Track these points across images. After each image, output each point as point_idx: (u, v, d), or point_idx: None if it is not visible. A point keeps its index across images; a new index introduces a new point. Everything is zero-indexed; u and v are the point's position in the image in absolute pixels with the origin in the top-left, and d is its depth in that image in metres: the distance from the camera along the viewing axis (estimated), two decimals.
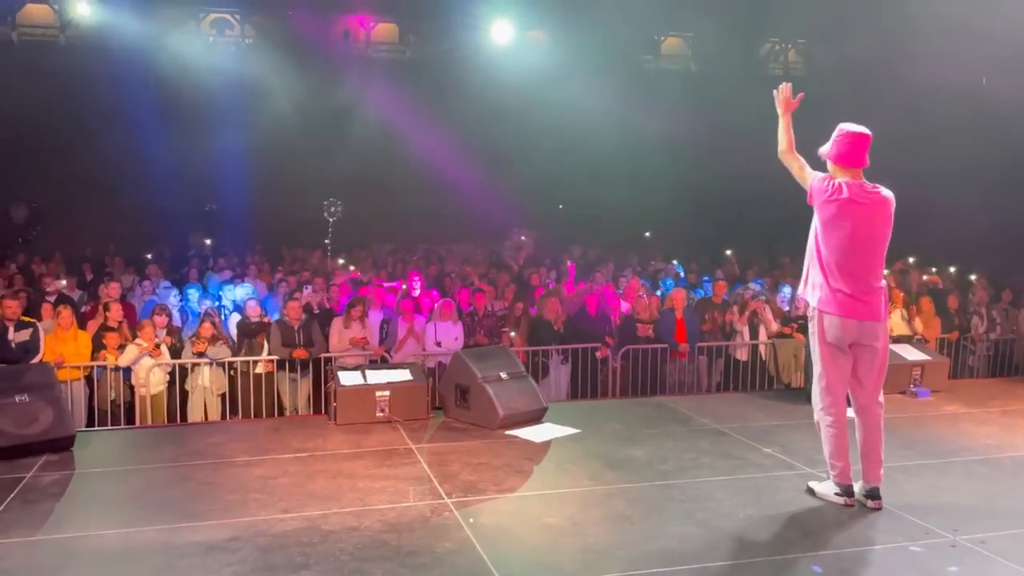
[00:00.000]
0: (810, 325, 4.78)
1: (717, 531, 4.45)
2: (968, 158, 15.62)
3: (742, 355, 9.86)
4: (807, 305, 4.79)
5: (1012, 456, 5.86)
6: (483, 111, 17.73)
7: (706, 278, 12.25)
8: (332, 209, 17.64)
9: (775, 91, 4.88)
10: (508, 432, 6.37)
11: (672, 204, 18.70)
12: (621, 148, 17.99)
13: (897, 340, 9.90)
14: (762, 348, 9.84)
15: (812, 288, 4.69)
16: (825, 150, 4.72)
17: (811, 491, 5.03)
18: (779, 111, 4.82)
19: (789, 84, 4.87)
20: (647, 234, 15.20)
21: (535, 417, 6.70)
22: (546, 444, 6.13)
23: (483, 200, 17.50)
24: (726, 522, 4.58)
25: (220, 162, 16.64)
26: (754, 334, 9.98)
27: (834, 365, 4.68)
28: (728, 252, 14.64)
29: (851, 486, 4.79)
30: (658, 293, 11.40)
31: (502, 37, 17.66)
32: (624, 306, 10.87)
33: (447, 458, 5.71)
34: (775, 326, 10.09)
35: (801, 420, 6.80)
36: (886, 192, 4.66)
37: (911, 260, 14.19)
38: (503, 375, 6.75)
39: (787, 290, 11.15)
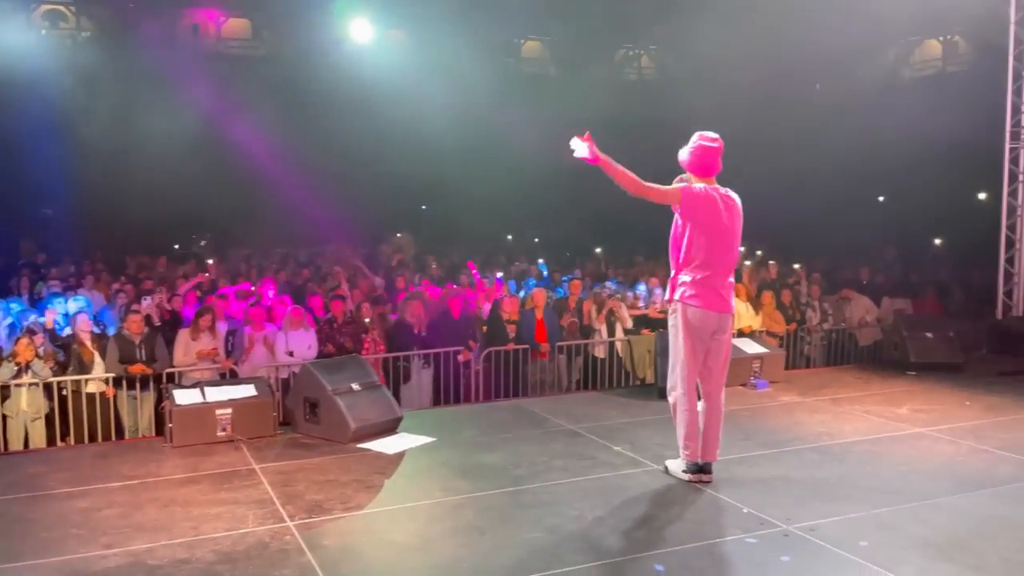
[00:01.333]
0: (671, 317, 5.13)
1: (566, 536, 4.46)
2: (808, 160, 16.68)
3: (600, 353, 10.05)
4: (671, 300, 5.12)
5: (841, 443, 6.20)
6: (342, 111, 17.35)
7: (565, 278, 12.42)
8: (202, 243, 16.78)
9: (573, 149, 4.96)
10: (360, 445, 6.19)
11: (538, 205, 18.93)
12: (486, 149, 18.05)
13: (741, 334, 10.44)
14: (618, 345, 10.06)
15: (678, 284, 5.07)
16: (684, 158, 5.10)
17: (666, 469, 5.42)
18: (591, 159, 4.87)
19: (586, 135, 4.94)
20: (536, 239, 15.33)
21: (389, 428, 6.55)
22: (399, 456, 5.99)
23: (345, 202, 17.12)
24: (575, 525, 4.60)
25: (55, 165, 15.48)
26: (611, 331, 10.19)
27: (693, 354, 5.07)
28: (598, 250, 14.95)
29: (697, 464, 5.20)
30: (521, 294, 11.46)
31: (361, 36, 17.31)
32: (486, 308, 10.86)
33: (292, 477, 5.48)
34: (630, 323, 10.34)
35: (651, 416, 7.00)
36: (736, 196, 5.14)
37: (758, 254, 14.98)
38: (355, 386, 6.56)
39: (642, 288, 11.46)
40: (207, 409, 6.20)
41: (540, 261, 15.61)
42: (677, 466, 5.32)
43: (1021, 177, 10.62)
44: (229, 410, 6.23)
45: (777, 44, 16.27)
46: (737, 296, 10.84)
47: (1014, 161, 10.72)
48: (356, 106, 17.15)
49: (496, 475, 5.50)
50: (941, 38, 19.88)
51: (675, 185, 5.10)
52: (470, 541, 4.42)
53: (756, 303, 10.94)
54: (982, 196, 18.28)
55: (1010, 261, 10.78)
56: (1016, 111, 10.64)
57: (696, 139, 5.06)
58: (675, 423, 5.26)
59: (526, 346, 9.33)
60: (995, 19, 11.68)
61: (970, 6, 12.43)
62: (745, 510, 4.77)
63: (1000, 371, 8.83)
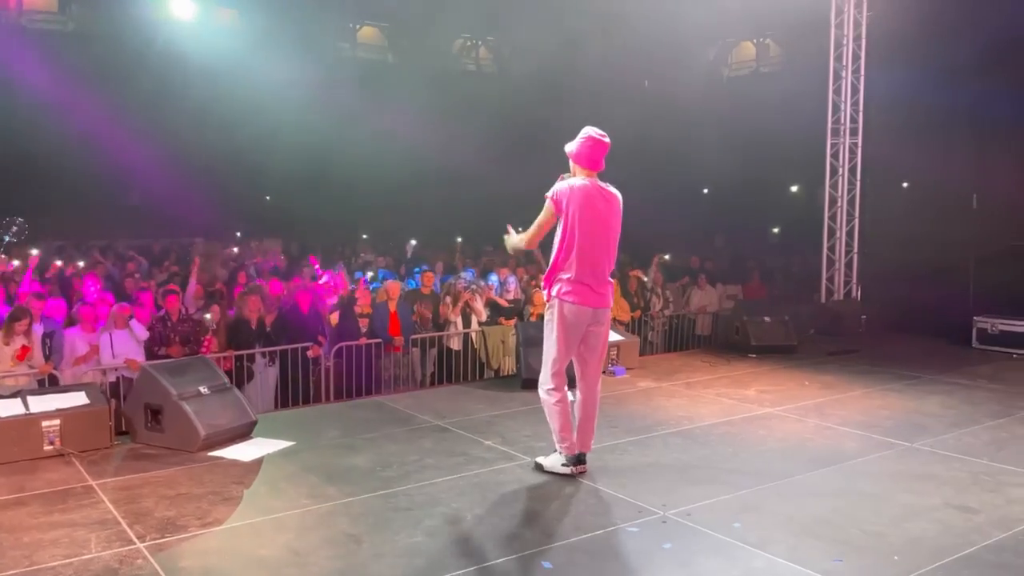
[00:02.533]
0: (547, 312, 5.12)
1: (447, 539, 4.28)
2: (639, 153, 17.31)
3: (455, 345, 9.90)
4: (548, 296, 5.10)
5: (700, 426, 6.41)
6: (165, 94, 16.14)
7: (416, 269, 12.17)
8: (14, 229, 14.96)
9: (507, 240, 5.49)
10: (212, 454, 5.71)
11: (388, 195, 18.50)
12: (327, 137, 17.43)
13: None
14: (473, 336, 9.96)
15: (554, 280, 5.04)
16: (571, 149, 5.07)
17: (539, 467, 5.31)
18: (524, 245, 5.27)
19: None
20: (413, 241, 14.90)
21: (243, 433, 6.09)
22: (257, 463, 5.57)
23: (174, 191, 15.95)
24: (455, 527, 4.44)
25: None
26: (467, 323, 10.07)
27: (567, 349, 5.07)
28: (459, 240, 14.75)
29: (576, 456, 5.20)
30: (372, 286, 11.09)
31: (183, 12, 16.13)
32: (331, 301, 10.43)
33: (138, 492, 4.95)
34: (485, 315, 10.27)
35: (517, 408, 6.94)
36: (615, 191, 5.11)
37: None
38: (203, 389, 6.05)
39: (494, 278, 11.42)
40: (31, 422, 5.49)
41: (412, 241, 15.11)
42: (554, 461, 5.27)
43: (841, 170, 11.48)
44: (57, 421, 5.55)
45: (609, 41, 16.77)
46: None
47: (835, 155, 11.57)
48: (181, 90, 16.01)
49: (366, 478, 5.22)
50: (755, 40, 21.19)
51: (554, 188, 5.03)
52: (347, 551, 4.15)
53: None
54: (793, 189, 19.83)
55: (832, 249, 11.65)
56: (836, 109, 11.47)
57: (586, 132, 5.05)
58: (548, 417, 5.22)
59: (379, 340, 9.02)
60: (806, 24, 12.73)
61: (781, 12, 13.28)
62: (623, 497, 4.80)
63: (829, 351, 9.50)
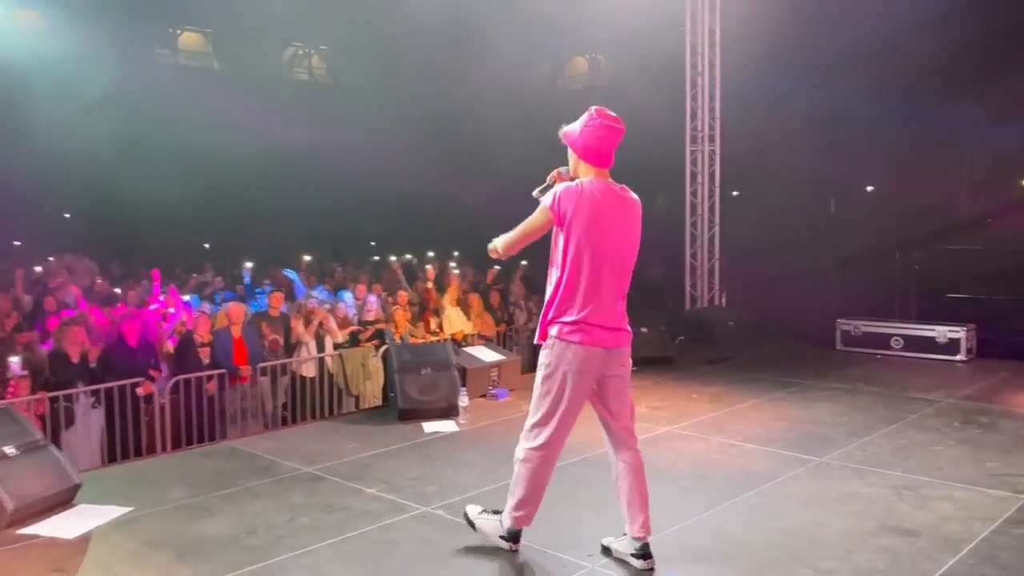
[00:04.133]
0: (543, 354, 3.89)
1: None
2: (498, 167, 17.07)
3: (308, 371, 8.93)
4: (543, 334, 3.90)
5: (602, 452, 5.85)
6: None
7: (259, 290, 11.01)
8: None
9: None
10: (24, 531, 4.53)
11: (219, 207, 17.12)
12: (151, 146, 15.93)
13: (455, 340, 9.99)
14: (329, 361, 9.04)
15: (553, 314, 3.82)
16: (573, 135, 3.83)
17: (467, 519, 4.33)
18: (500, 252, 4.08)
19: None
20: (249, 264, 13.54)
21: (63, 500, 4.93)
22: (84, 539, 4.46)
23: None
24: None
25: None
26: (320, 346, 9.13)
27: (570, 403, 3.85)
28: (307, 258, 13.59)
29: (520, 532, 4.14)
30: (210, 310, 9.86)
31: None
32: (166, 328, 9.18)
33: None
34: (340, 336, 9.38)
35: (397, 444, 6.15)
36: (634, 195, 3.90)
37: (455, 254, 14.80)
38: (8, 450, 4.84)
39: (348, 296, 10.53)
40: None
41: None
42: (492, 526, 4.18)
43: (700, 177, 11.46)
44: None
45: (449, 53, 16.59)
46: (449, 302, 10.58)
47: (693, 163, 11.54)
48: None
49: (227, 549, 4.26)
50: (587, 56, 21.54)
51: (556, 190, 3.80)
52: None
53: (464, 306, 10.57)
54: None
55: (694, 256, 11.61)
56: (693, 116, 11.46)
57: (594, 115, 3.78)
58: (513, 479, 4.02)
59: (222, 371, 7.93)
60: (635, 40, 13.06)
61: (610, 29, 13.45)
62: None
63: (706, 360, 9.33)
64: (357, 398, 9.24)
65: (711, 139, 11.48)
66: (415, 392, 6.80)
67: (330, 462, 5.73)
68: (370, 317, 9.79)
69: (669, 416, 6.85)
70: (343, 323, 9.63)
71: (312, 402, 8.66)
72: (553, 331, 3.81)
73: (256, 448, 6.17)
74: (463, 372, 7.40)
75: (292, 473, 5.54)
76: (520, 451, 4.00)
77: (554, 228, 3.82)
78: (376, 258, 14.44)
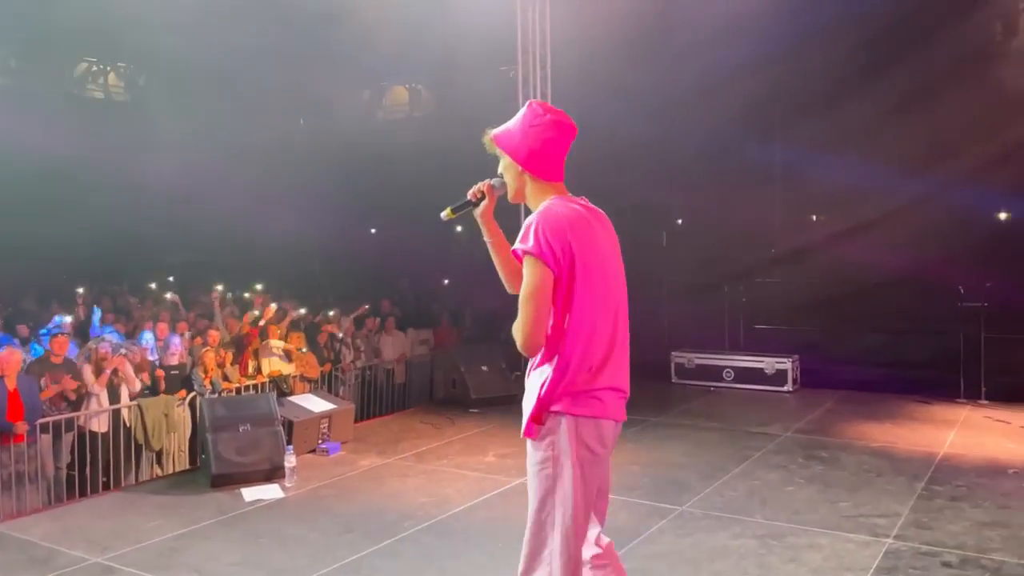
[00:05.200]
0: (542, 448, 2.70)
1: None
2: (314, 194, 16.33)
3: (100, 425, 7.71)
4: (539, 418, 2.71)
5: (454, 514, 5.29)
6: None
7: (44, 331, 9.48)
8: None
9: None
10: None
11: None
12: None
13: (277, 385, 9.08)
14: (125, 412, 7.87)
15: (564, 388, 2.70)
16: (511, 137, 2.80)
17: None
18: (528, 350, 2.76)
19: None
20: None
21: None
22: None
23: None
24: None
25: None
26: (114, 397, 7.93)
27: (587, 503, 2.72)
28: (80, 291, 11.88)
29: None
30: None
31: None
32: None
33: None
34: (138, 384, 8.22)
35: (208, 519, 5.27)
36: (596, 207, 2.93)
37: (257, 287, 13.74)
38: None
39: (148, 336, 9.31)
40: None
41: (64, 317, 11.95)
42: None
43: None
44: None
45: (264, 77, 15.89)
46: (270, 337, 9.62)
47: None
48: None
49: None
50: (408, 85, 21.28)
51: (537, 228, 2.67)
52: None
53: (284, 346, 9.67)
54: (459, 228, 19.99)
55: None
56: None
57: (538, 110, 2.79)
58: None
59: None
60: (453, 71, 12.95)
61: (430, 59, 13.30)
62: None
63: None
64: (159, 453, 8.13)
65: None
66: (232, 453, 5.90)
67: (126, 548, 4.74)
68: (173, 361, 8.65)
69: (519, 465, 6.35)
70: (143, 368, 8.45)
71: (104, 461, 7.46)
72: (559, 407, 2.68)
73: (31, 532, 5.04)
74: (289, 426, 6.56)
75: (77, 566, 4.51)
76: None
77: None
78: (169, 295, 13.02)
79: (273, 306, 11.07)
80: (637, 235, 11.36)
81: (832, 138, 10.11)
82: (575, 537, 2.64)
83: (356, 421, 7.91)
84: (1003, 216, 10.39)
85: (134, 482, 7.45)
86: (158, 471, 7.99)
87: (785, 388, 9.30)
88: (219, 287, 11.81)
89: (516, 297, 2.73)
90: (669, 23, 10.57)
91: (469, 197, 2.93)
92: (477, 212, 2.91)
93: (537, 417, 2.68)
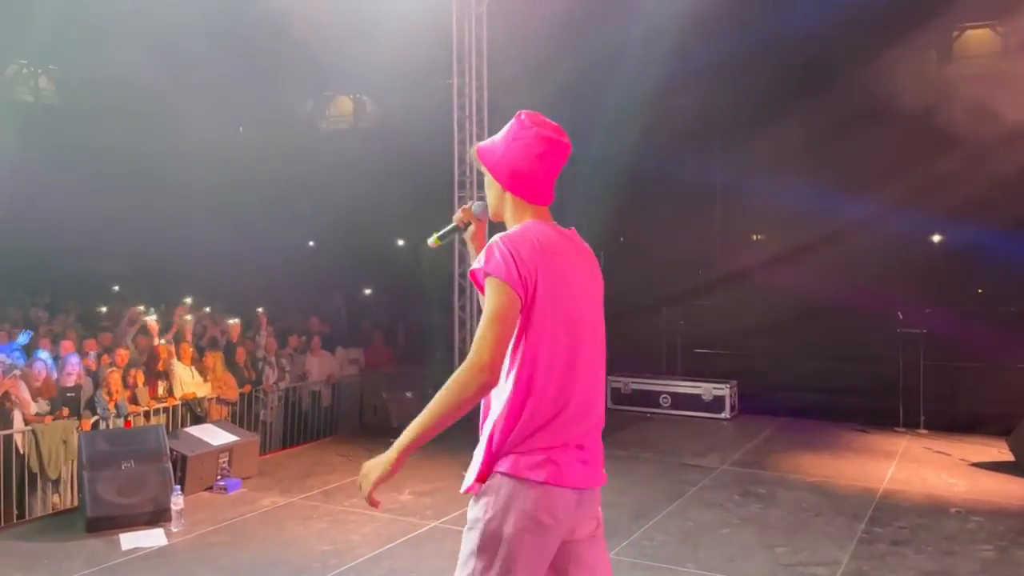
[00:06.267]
0: (481, 506, 2.29)
1: None
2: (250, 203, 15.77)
3: None
4: (484, 476, 2.30)
5: (355, 565, 4.76)
6: None
7: None
8: None
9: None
10: None
11: None
12: None
13: (190, 408, 8.46)
14: (18, 438, 7.23)
15: (514, 440, 2.27)
16: (493, 151, 2.46)
17: None
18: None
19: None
20: None
21: None
22: None
23: None
24: None
25: None
26: (6, 421, 7.28)
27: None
28: None
29: None
30: None
31: None
32: None
33: None
34: (34, 407, 7.56)
35: (74, 573, 4.62)
36: (583, 241, 2.55)
37: (188, 302, 13.06)
38: None
39: (45, 355, 8.59)
40: None
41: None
42: None
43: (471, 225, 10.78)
44: None
45: (202, 81, 15.37)
46: (181, 359, 8.97)
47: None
48: None
49: None
50: (352, 96, 20.85)
51: (502, 248, 2.28)
52: None
53: (201, 366, 9.03)
54: (401, 242, 19.51)
55: (463, 308, 10.84)
56: (461, 160, 10.79)
57: (525, 122, 2.43)
58: None
59: None
60: (403, 82, 12.58)
61: (376, 70, 12.92)
62: None
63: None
64: (57, 482, 7.46)
65: (481, 185, 10.86)
66: (111, 494, 5.28)
67: None
68: (70, 382, 7.96)
69: (436, 505, 5.87)
70: (43, 390, 7.78)
71: None
72: (503, 466, 2.27)
73: None
74: (182, 461, 5.96)
75: None
76: None
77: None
78: (103, 309, 12.33)
79: (189, 318, 10.42)
80: None
81: (773, 158, 9.89)
82: None
83: (268, 451, 7.34)
84: (940, 241, 10.30)
85: (28, 515, 6.79)
86: (56, 501, 7.34)
87: (723, 415, 9.00)
88: (140, 307, 11.13)
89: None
90: (606, 37, 10.29)
91: (455, 223, 2.64)
92: (466, 235, 2.61)
93: (483, 475, 2.28)
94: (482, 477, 2.29)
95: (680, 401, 9.21)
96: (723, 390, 9.06)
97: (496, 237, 2.33)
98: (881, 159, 9.40)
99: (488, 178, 2.48)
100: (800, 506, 5.88)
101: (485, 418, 2.36)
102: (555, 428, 2.27)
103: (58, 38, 15.23)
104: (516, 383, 2.27)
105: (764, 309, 9.99)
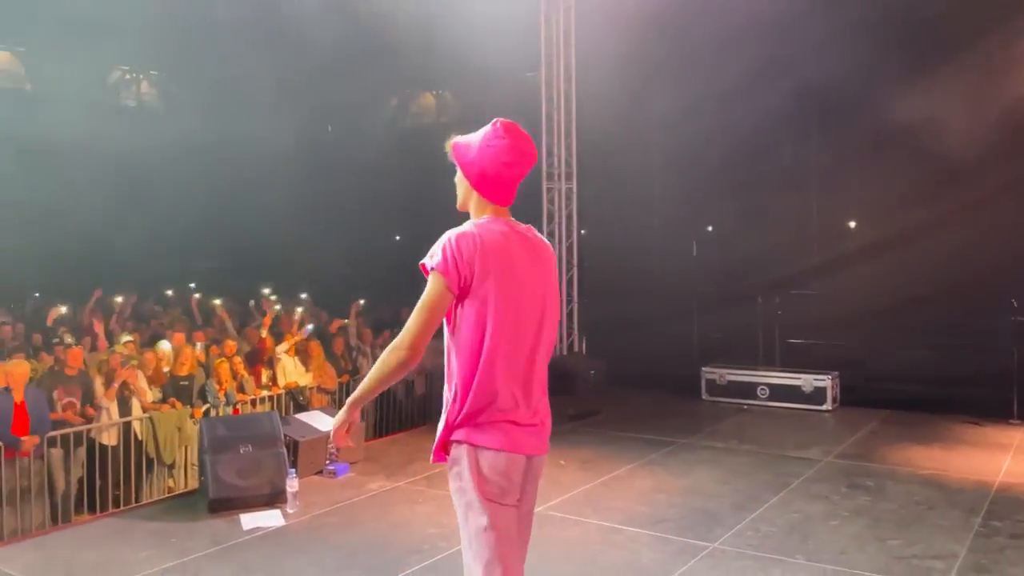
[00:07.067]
0: (454, 477, 2.66)
1: None
2: (340, 200, 16.20)
3: (109, 438, 7.47)
4: (445, 442, 2.68)
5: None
6: None
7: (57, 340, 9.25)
8: None
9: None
10: None
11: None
12: None
13: (293, 396, 8.77)
14: (136, 425, 7.62)
15: (464, 416, 2.63)
16: (468, 151, 2.76)
17: None
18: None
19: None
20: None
21: None
22: None
23: None
24: None
25: None
26: (125, 409, 7.69)
27: (504, 537, 2.63)
28: (64, 310, 11.69)
29: None
30: None
31: None
32: None
33: None
34: (150, 396, 7.97)
35: (203, 549, 4.91)
36: (542, 237, 2.87)
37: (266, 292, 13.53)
38: None
39: (167, 346, 9.05)
40: None
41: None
42: None
43: (557, 216, 10.81)
44: None
45: (293, 84, 15.89)
46: (287, 352, 9.32)
47: (551, 201, 10.88)
48: None
49: None
50: (434, 92, 21.11)
51: (445, 242, 2.66)
52: None
53: (304, 355, 9.34)
54: None
55: None
56: (549, 152, 10.82)
57: (500, 131, 2.73)
58: None
59: None
60: (478, 77, 12.69)
61: (456, 66, 13.09)
62: None
63: (570, 415, 8.56)
64: (172, 467, 7.87)
65: (568, 177, 10.87)
66: (231, 476, 5.55)
67: None
68: (184, 372, 8.38)
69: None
70: (156, 379, 8.21)
71: (116, 475, 7.20)
72: (462, 435, 2.64)
73: (12, 564, 4.71)
74: (294, 446, 6.20)
75: None
76: None
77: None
78: (197, 296, 12.88)
79: (277, 308, 10.80)
80: (667, 244, 10.93)
81: (872, 141, 9.55)
82: (498, 564, 2.57)
83: (369, 438, 7.55)
84: None
85: (145, 499, 7.20)
86: (171, 484, 7.75)
87: (824, 407, 8.77)
88: (217, 301, 11.61)
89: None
90: (696, 23, 10.12)
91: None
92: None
93: (443, 444, 2.68)
94: (441, 446, 2.69)
95: (779, 393, 9.01)
96: (824, 381, 8.83)
97: (446, 234, 2.68)
98: (995, 137, 8.92)
99: (459, 172, 2.81)
100: (912, 499, 5.70)
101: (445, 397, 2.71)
102: (503, 403, 2.61)
103: (158, 43, 15.95)
104: (463, 365, 2.63)
105: (865, 297, 9.66)
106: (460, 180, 2.82)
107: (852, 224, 10.43)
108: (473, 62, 11.67)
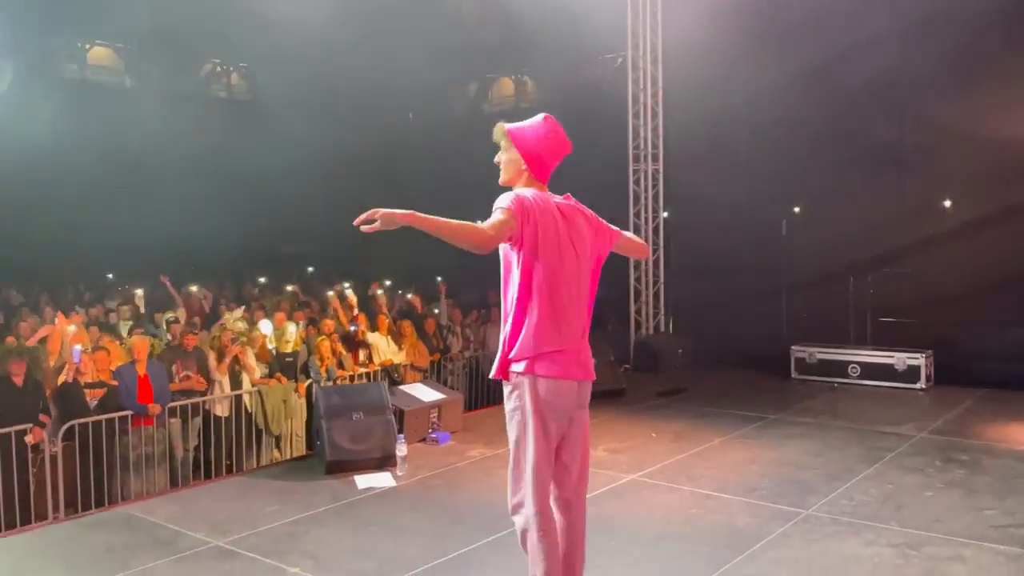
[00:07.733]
0: (510, 399, 3.26)
1: None
2: (406, 182, 16.60)
3: (222, 410, 8.01)
4: (505, 371, 3.27)
5: None
6: None
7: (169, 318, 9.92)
8: None
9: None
10: None
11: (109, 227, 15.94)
12: (46, 166, 14.72)
13: (396, 372, 9.18)
14: (246, 398, 8.14)
15: (516, 347, 3.22)
16: (526, 136, 3.31)
17: None
18: (398, 221, 3.04)
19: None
20: (139, 291, 12.37)
21: None
22: None
23: None
24: None
25: None
26: (236, 382, 8.22)
27: (548, 450, 3.24)
28: (195, 289, 12.41)
29: None
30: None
31: None
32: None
33: None
34: (258, 372, 8.47)
35: (324, 505, 5.32)
36: (581, 204, 3.44)
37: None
38: None
39: (267, 325, 9.59)
40: None
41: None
42: None
43: (644, 197, 10.95)
44: None
45: (373, 72, 16.25)
46: (379, 329, 9.76)
47: (636, 182, 11.02)
48: None
49: None
50: (513, 77, 21.24)
51: (510, 195, 3.21)
52: None
53: (397, 334, 9.75)
54: None
55: (638, 279, 11.06)
56: (636, 135, 10.96)
57: (553, 125, 3.33)
58: (530, 560, 3.26)
59: (125, 413, 6.94)
60: (559, 62, 12.77)
61: (538, 49, 13.17)
62: None
63: (658, 392, 8.73)
64: (278, 438, 8.38)
65: (654, 158, 10.99)
66: (345, 441, 5.96)
67: (245, 531, 4.85)
68: (289, 349, 8.89)
69: (631, 461, 6.17)
70: (262, 356, 8.72)
71: (228, 444, 7.74)
72: (518, 367, 3.23)
73: (157, 514, 5.22)
74: (400, 415, 6.59)
75: (199, 548, 4.63)
76: (518, 520, 3.28)
77: (508, 247, 3.24)
78: (289, 287, 13.47)
79: (381, 292, 11.23)
80: (755, 224, 10.92)
81: (967, 118, 9.35)
82: (540, 472, 3.19)
83: (464, 411, 7.89)
84: None
85: (255, 466, 7.72)
86: (277, 455, 8.26)
87: (918, 385, 8.72)
88: (345, 285, 12.14)
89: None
90: (785, 1, 10.06)
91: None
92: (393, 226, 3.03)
93: (502, 371, 3.27)
94: (501, 372, 3.28)
95: (870, 371, 8.99)
96: (918, 359, 8.76)
97: (507, 194, 3.22)
98: None
99: (511, 153, 3.33)
100: (1009, 473, 5.71)
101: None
102: (553, 338, 3.19)
103: (249, 37, 16.55)
104: (522, 306, 3.21)
105: (958, 276, 9.51)
106: (511, 160, 3.35)
107: (947, 203, 10.23)
108: (557, 46, 11.82)
